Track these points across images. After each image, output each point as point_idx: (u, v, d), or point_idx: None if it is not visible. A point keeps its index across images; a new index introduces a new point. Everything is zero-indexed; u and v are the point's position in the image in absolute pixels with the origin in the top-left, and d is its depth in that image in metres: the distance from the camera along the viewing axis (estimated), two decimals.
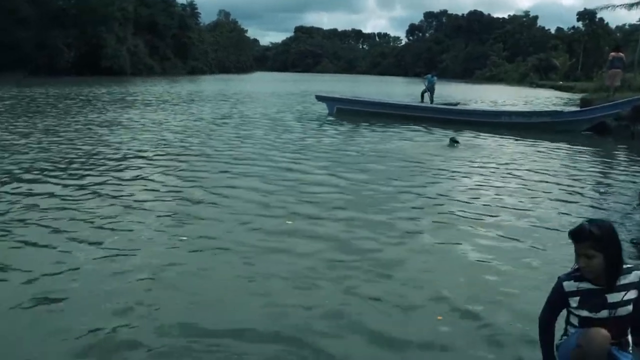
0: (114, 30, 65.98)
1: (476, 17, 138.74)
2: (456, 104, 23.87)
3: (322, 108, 22.74)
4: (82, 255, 5.34)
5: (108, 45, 64.36)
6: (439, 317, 4.28)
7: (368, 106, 21.96)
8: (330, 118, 20.55)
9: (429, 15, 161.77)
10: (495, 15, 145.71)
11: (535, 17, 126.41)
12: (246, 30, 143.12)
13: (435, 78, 27.19)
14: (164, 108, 23.26)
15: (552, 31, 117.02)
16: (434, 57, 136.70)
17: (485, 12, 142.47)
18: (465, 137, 14.15)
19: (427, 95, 26.74)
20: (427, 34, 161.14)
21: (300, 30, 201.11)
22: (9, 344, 3.71)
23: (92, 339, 3.77)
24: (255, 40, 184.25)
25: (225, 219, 6.72)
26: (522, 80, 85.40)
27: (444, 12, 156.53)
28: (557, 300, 3.24)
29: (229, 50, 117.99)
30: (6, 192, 7.76)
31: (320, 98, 23.23)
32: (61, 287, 4.58)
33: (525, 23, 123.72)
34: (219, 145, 12.95)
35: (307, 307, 4.38)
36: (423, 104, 23.82)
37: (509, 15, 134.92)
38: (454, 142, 13.74)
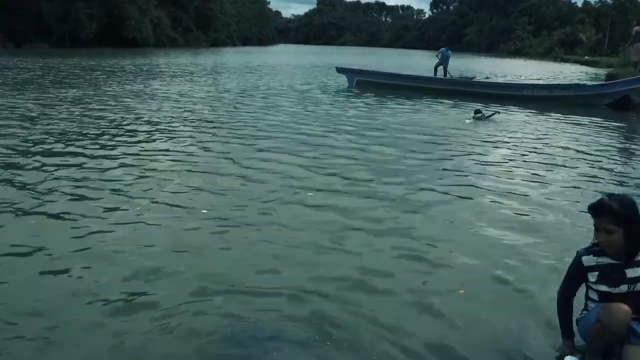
0: (136, 2, 66.04)
1: None
2: (472, 78, 23.65)
3: (343, 80, 22.71)
4: (109, 222, 5.48)
5: (131, 17, 64.48)
6: (461, 291, 4.24)
7: (388, 78, 21.91)
8: (351, 91, 20.53)
9: None
10: None
11: None
12: (268, 2, 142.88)
13: (449, 52, 26.61)
14: (191, 79, 23.45)
15: (579, 5, 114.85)
16: (457, 30, 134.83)
17: None
18: (489, 111, 14.08)
19: (440, 69, 26.30)
20: (451, 7, 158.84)
21: (323, 3, 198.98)
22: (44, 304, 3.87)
23: (117, 300, 3.92)
24: (278, 12, 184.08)
25: (250, 189, 6.81)
26: (547, 54, 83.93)
27: None
28: (575, 274, 3.26)
29: (251, 22, 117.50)
30: (37, 162, 7.93)
31: (340, 70, 23.19)
32: (89, 255, 4.69)
33: None
34: (245, 116, 13.07)
35: (321, 275, 4.43)
36: (444, 77, 23.66)
37: None
38: (479, 114, 13.66)
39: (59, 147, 9.09)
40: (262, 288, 4.13)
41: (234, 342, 3.44)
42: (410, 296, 4.12)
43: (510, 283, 4.37)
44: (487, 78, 26.46)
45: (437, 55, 27.03)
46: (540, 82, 26.45)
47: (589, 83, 21.85)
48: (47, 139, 9.65)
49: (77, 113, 12.70)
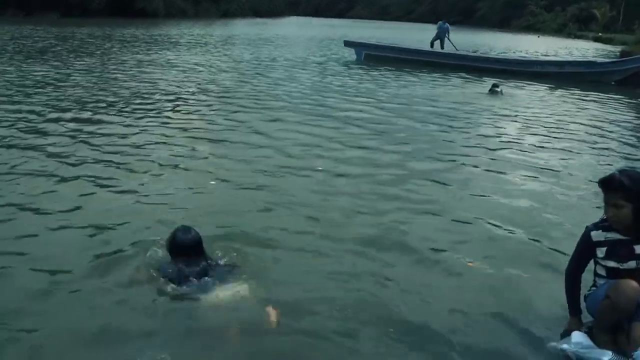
0: None
1: None
2: (474, 52, 23.50)
3: (352, 54, 22.59)
4: (129, 187, 5.68)
5: None
6: (470, 263, 4.27)
7: (397, 52, 21.81)
8: (359, 64, 20.46)
9: None
10: None
11: None
12: None
13: (447, 25, 26.10)
14: (207, 50, 23.71)
15: None
16: (469, 5, 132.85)
17: None
18: (505, 86, 14.23)
19: (437, 43, 25.90)
20: None
21: None
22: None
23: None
24: None
25: (264, 158, 6.97)
26: (560, 30, 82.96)
27: None
28: (584, 249, 3.24)
29: None
30: (58, 129, 8.11)
31: (348, 44, 23.08)
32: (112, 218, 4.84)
33: None
34: (262, 86, 13.32)
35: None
36: (455, 52, 23.47)
37: None
38: (496, 88, 13.64)
39: (85, 114, 9.28)
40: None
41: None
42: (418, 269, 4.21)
43: (508, 264, 4.35)
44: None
45: (437, 29, 26.48)
46: (549, 58, 26.26)
47: (599, 60, 21.69)
48: (72, 106, 9.87)
49: (97, 82, 12.90)
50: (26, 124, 8.35)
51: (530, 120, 10.61)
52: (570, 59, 26.22)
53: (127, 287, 3.66)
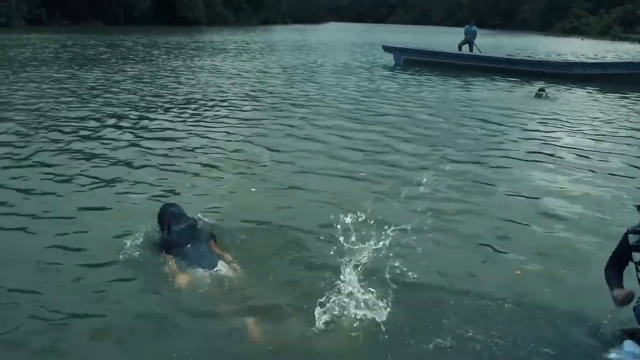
0: None
1: None
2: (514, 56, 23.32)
3: (391, 58, 22.66)
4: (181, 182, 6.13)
5: None
6: (517, 272, 4.22)
7: (435, 56, 21.88)
8: (398, 68, 20.56)
9: None
10: None
11: None
12: None
13: (474, 28, 25.54)
14: (251, 56, 24.34)
15: None
16: (511, 8, 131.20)
17: None
18: (551, 89, 14.33)
19: (465, 47, 25.43)
20: None
21: None
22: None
23: None
24: None
25: (310, 159, 7.29)
26: (604, 33, 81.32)
27: None
28: (621, 252, 3.23)
29: (302, 0, 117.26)
30: (114, 133, 8.60)
31: (387, 49, 23.22)
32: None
33: None
34: (306, 90, 13.74)
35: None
36: (492, 55, 23.39)
37: None
38: (541, 92, 13.70)
39: (139, 119, 9.81)
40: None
41: None
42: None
43: (555, 269, 4.35)
44: (537, 56, 25.85)
45: (464, 33, 25.95)
46: (595, 60, 25.92)
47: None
48: (126, 111, 10.42)
49: (150, 87, 13.53)
50: (84, 128, 8.86)
51: (579, 122, 10.65)
52: (612, 60, 25.80)
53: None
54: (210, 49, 27.93)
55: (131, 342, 3.30)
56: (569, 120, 10.89)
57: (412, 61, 21.41)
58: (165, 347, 3.23)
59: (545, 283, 4.07)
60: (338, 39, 44.98)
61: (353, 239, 4.42)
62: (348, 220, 3.58)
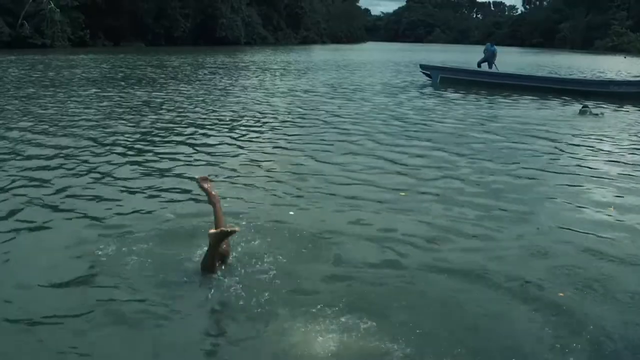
0: (229, 1, 68.17)
1: None
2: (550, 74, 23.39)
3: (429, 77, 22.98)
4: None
5: (223, 16, 66.65)
6: (561, 294, 4.15)
7: (471, 75, 22.22)
8: (436, 88, 20.81)
9: None
10: None
11: None
12: (358, 0, 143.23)
13: (494, 47, 25.41)
14: (295, 76, 24.86)
15: None
16: (551, 26, 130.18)
17: None
18: (597, 109, 14.44)
19: (484, 65, 25.16)
20: (544, 3, 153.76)
21: (413, 0, 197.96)
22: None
23: None
24: (367, 10, 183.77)
25: (355, 177, 7.41)
26: None
27: None
28: None
29: (340, 20, 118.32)
30: (165, 148, 9.15)
31: (424, 67, 23.63)
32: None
33: None
34: (348, 109, 13.99)
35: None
36: (529, 74, 23.55)
37: None
38: (585, 109, 13.88)
39: (189, 135, 10.32)
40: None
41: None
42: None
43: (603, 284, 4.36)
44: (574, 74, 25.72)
45: (483, 52, 25.92)
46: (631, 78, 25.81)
47: None
48: (178, 127, 11.04)
49: (197, 105, 14.17)
50: (136, 142, 9.48)
51: (628, 141, 10.70)
52: None
53: None
54: (255, 69, 28.82)
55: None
56: (615, 137, 11.01)
57: (449, 79, 21.74)
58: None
59: (586, 312, 3.96)
60: (377, 59, 45.45)
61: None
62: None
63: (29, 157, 8.21)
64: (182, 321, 3.72)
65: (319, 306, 3.81)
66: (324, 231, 5.26)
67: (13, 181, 6.86)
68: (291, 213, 5.85)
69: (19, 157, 8.20)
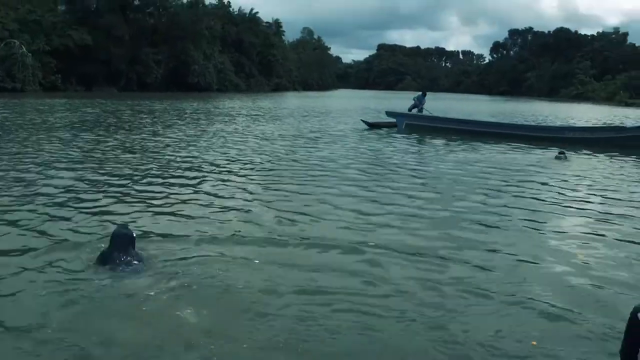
0: (201, 48, 68.90)
1: (563, 34, 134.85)
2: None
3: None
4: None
5: (196, 62, 67.28)
6: (533, 343, 4.12)
7: (434, 121, 22.71)
8: (401, 133, 21.17)
9: (514, 32, 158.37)
10: (582, 32, 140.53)
11: (625, 34, 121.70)
12: (329, 48, 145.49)
13: (424, 98, 25.89)
14: (264, 121, 25.17)
15: None
16: (518, 75, 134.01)
17: (573, 29, 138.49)
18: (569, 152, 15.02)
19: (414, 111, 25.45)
20: (511, 52, 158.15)
21: (383, 48, 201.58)
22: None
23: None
24: (338, 58, 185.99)
25: (317, 228, 7.12)
26: (611, 99, 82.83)
27: (529, 30, 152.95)
28: (632, 332, 2.87)
29: (312, 68, 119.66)
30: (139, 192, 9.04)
31: (389, 114, 24.11)
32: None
33: (614, 40, 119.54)
34: (311, 155, 14.08)
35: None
36: (490, 120, 24.13)
37: (597, 32, 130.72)
38: (562, 155, 14.35)
39: (161, 180, 10.15)
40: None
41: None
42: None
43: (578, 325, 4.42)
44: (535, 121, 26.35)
45: (413, 98, 26.60)
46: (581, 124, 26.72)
47: (629, 125, 22.21)
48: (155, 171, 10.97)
49: (178, 148, 14.40)
50: (115, 186, 9.39)
51: (598, 185, 10.93)
52: (602, 124, 26.68)
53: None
54: (234, 114, 29.26)
55: None
56: (588, 182, 11.28)
57: (414, 125, 22.15)
58: None
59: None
60: (347, 106, 45.83)
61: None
62: None
63: None
64: None
65: None
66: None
67: None
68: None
69: None
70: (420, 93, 26.76)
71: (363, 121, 24.13)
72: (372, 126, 22.98)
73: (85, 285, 4.81)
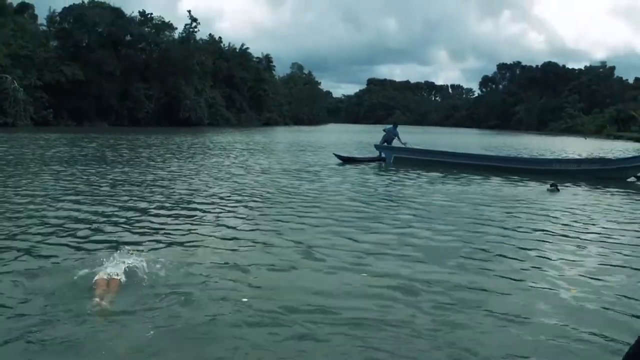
0: (193, 83, 69.47)
1: (551, 68, 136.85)
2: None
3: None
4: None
5: (187, 97, 67.70)
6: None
7: (422, 154, 22.92)
8: (390, 167, 21.30)
9: (502, 66, 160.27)
10: (570, 66, 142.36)
11: (612, 68, 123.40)
12: (319, 83, 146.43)
13: (397, 130, 25.42)
14: (250, 156, 25.20)
15: (630, 82, 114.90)
16: (507, 109, 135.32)
17: (560, 64, 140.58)
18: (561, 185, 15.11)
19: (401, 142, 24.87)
20: (500, 86, 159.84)
21: (373, 82, 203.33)
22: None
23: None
24: (329, 92, 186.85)
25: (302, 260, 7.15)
26: (599, 132, 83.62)
27: (517, 64, 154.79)
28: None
29: (303, 103, 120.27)
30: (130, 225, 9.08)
31: (378, 147, 24.30)
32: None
33: (601, 74, 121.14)
34: (301, 188, 14.06)
35: None
36: (479, 153, 24.34)
37: (585, 67, 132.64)
38: (553, 187, 14.48)
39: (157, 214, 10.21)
40: None
41: None
42: None
43: None
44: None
45: (383, 130, 26.42)
46: (568, 156, 27.12)
47: (614, 157, 22.53)
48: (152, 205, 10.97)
49: (168, 183, 14.43)
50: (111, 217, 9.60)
51: (591, 216, 11.00)
52: (588, 157, 27.02)
53: None
54: (230, 148, 29.61)
55: None
56: (585, 213, 11.35)
57: (402, 159, 22.29)
58: None
59: None
60: (337, 140, 46.10)
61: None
62: None
63: None
64: None
65: None
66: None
67: None
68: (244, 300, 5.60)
69: None
70: (391, 125, 26.37)
71: (336, 155, 23.56)
72: (347, 161, 22.61)
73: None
